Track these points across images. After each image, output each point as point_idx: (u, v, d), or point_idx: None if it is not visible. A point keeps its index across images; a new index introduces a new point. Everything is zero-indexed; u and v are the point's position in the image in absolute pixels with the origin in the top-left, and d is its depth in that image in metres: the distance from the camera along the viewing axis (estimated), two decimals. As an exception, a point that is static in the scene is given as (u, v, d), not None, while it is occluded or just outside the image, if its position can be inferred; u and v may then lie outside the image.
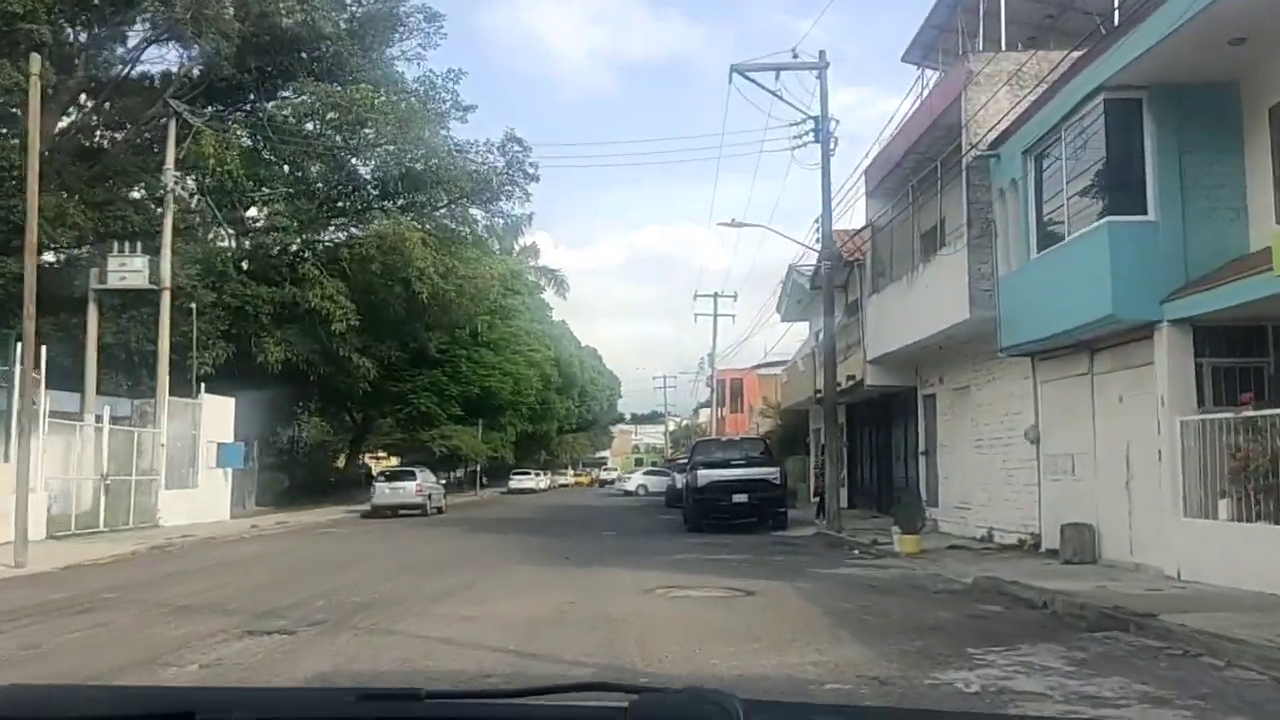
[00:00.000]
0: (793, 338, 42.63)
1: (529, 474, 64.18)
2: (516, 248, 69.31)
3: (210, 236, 29.87)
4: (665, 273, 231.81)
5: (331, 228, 32.90)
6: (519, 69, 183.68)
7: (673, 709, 1.47)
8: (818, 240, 24.08)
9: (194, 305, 26.65)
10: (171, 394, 26.15)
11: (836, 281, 30.43)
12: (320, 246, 33.15)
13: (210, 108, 29.52)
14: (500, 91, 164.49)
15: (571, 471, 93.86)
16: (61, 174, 26.94)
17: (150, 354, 26.47)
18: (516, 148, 32.85)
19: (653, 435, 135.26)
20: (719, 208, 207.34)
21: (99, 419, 23.98)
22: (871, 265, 23.36)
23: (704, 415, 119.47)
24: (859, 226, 25.18)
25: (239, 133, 31.17)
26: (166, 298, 25.46)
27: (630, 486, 55.95)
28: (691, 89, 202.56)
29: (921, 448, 22.65)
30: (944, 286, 17.82)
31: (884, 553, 16.44)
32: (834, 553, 17.66)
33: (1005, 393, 17.62)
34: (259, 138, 32.40)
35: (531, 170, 33.27)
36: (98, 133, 31.60)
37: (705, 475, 22.80)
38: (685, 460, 33.72)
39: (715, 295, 53.48)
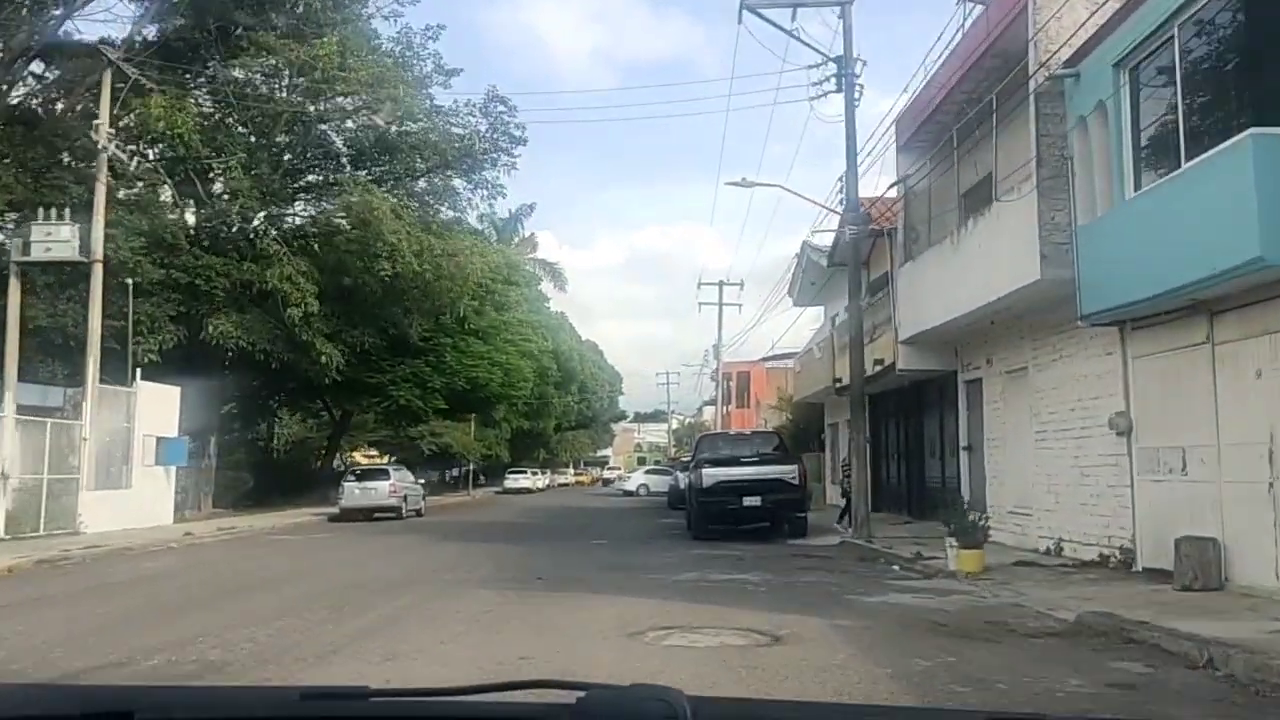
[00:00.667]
0: (802, 327, 39.64)
1: (525, 473, 60.83)
2: (515, 239, 66.88)
3: (159, 207, 26.65)
4: (666, 273, 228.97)
5: (299, 203, 29.69)
6: (518, 69, 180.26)
7: (618, 705, 1.46)
8: (840, 204, 20.88)
9: (130, 280, 23.48)
10: (114, 383, 23.06)
11: (854, 260, 27.37)
12: (285, 223, 29.99)
13: (165, 72, 26.38)
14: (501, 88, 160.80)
15: (572, 471, 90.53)
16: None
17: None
18: (500, 108, 29.72)
19: (656, 434, 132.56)
20: (724, 191, 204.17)
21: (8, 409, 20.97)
22: (904, 230, 20.16)
23: (708, 413, 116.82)
24: (887, 188, 21.95)
25: (199, 99, 28.05)
26: (98, 272, 22.32)
27: (630, 486, 52.76)
28: (692, 88, 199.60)
29: (963, 442, 19.46)
30: (1003, 243, 14.62)
31: (934, 570, 13.24)
32: (870, 570, 14.45)
33: (1078, 373, 14.40)
34: (220, 104, 29.33)
35: (517, 133, 30.14)
36: (36, 99, 28.43)
37: (712, 475, 19.59)
38: (689, 458, 30.56)
39: (720, 284, 50.45)
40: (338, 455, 48.64)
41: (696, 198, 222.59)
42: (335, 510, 29.23)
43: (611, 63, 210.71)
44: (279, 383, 35.83)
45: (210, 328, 26.30)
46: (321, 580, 13.19)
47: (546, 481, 67.30)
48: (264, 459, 44.44)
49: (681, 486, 34.04)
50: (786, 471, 19.70)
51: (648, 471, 55.20)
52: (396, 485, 29.53)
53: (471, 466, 55.27)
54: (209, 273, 26.58)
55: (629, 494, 52.09)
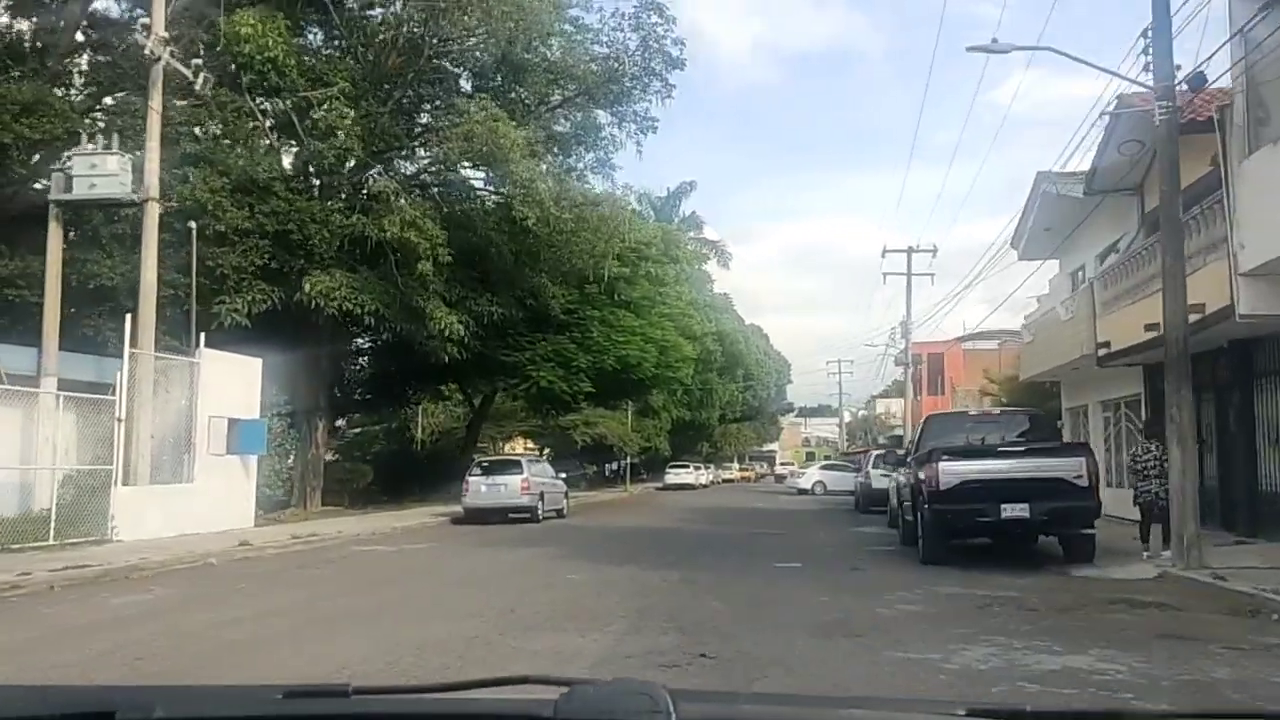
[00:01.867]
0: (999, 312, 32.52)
1: (687, 468, 55.12)
2: (676, 220, 61.44)
3: (246, 143, 22.21)
4: (828, 265, 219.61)
5: (417, 145, 24.77)
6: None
7: (601, 700, 1.44)
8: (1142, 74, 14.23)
9: (194, 224, 19.02)
10: (182, 352, 18.73)
11: (1125, 184, 20.46)
12: (399, 171, 25.24)
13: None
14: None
15: (736, 465, 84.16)
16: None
17: (169, 299, 19.18)
18: (654, 18, 24.04)
19: (823, 428, 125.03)
20: (906, 179, 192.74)
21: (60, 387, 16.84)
22: (1247, 109, 13.41)
23: (881, 406, 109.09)
24: (1212, 53, 15.11)
25: (297, 22, 23.62)
26: (152, 212, 17.90)
27: (804, 484, 46.40)
28: (853, 76, 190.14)
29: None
30: None
31: None
32: (1263, 632, 8.12)
33: None
34: (320, 26, 24.90)
35: (675, 51, 24.43)
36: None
37: (954, 471, 13.32)
38: (900, 450, 24.23)
39: (909, 250, 43.39)
40: (490, 446, 44.36)
41: (860, 188, 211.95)
42: (460, 510, 24.37)
43: (774, 54, 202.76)
44: (401, 360, 31.39)
45: (308, 285, 21.70)
46: (322, 649, 7.82)
47: (710, 477, 61.40)
48: (402, 450, 40.55)
49: (875, 485, 27.77)
50: (1068, 467, 13.24)
51: (823, 467, 48.62)
52: (531, 481, 24.32)
53: (629, 460, 50.09)
54: (304, 218, 21.98)
55: (803, 492, 45.85)
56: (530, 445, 53.35)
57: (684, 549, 16.60)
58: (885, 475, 27.52)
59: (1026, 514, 13.12)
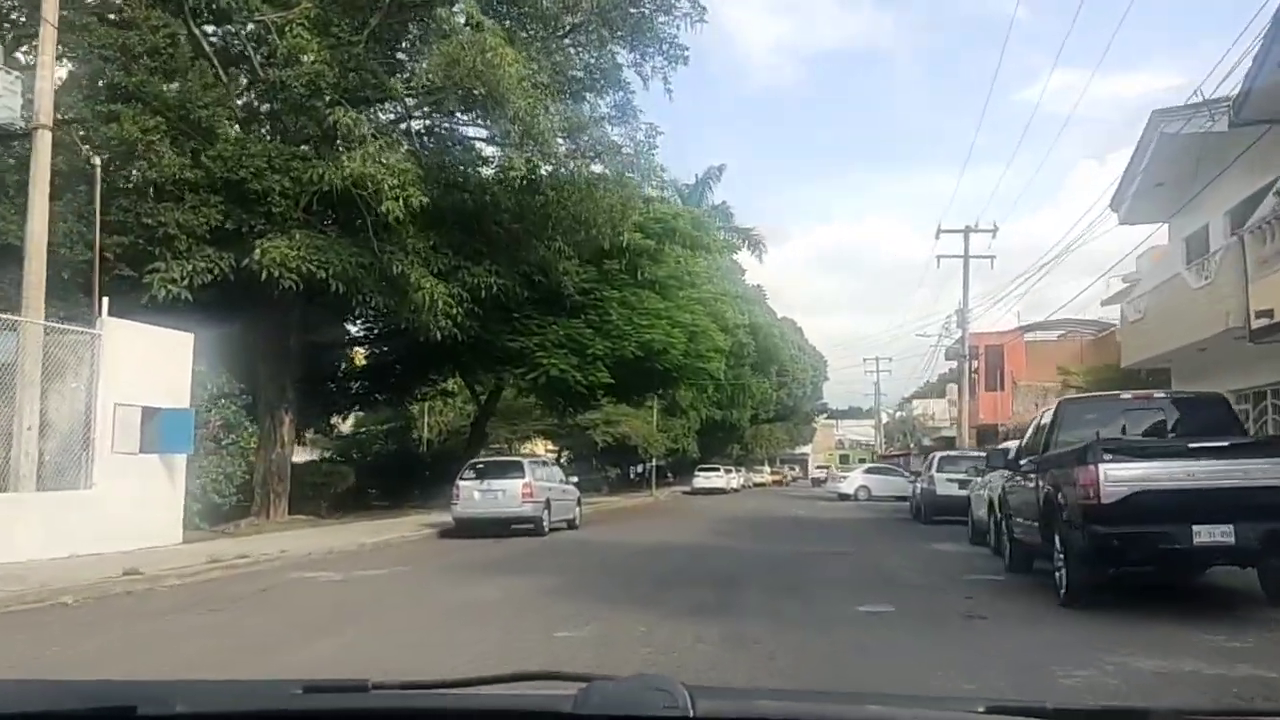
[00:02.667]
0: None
1: (718, 470, 50.80)
2: (704, 208, 57.18)
3: (184, 69, 18.22)
4: (859, 266, 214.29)
5: (399, 85, 20.73)
6: (703, 67, 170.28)
7: (619, 696, 1.45)
8: None
9: (96, 160, 15.13)
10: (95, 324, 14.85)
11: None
12: (375, 114, 21.23)
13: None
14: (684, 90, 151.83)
15: (768, 468, 79.69)
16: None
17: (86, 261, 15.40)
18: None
19: (855, 431, 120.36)
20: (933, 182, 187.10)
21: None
22: None
23: (919, 407, 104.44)
24: None
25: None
26: (44, 144, 13.99)
27: (847, 488, 42.07)
28: (881, 76, 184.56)
29: None
30: None
31: None
32: None
33: None
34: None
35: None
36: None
37: (1124, 477, 9.06)
38: (945, 454, 20.16)
39: (966, 230, 39.01)
40: (507, 447, 40.36)
41: (888, 190, 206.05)
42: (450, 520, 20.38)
43: (797, 55, 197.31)
44: (399, 349, 27.50)
45: (259, 251, 17.76)
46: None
47: (741, 480, 57.07)
48: (403, 451, 36.73)
49: (947, 493, 23.60)
50: (1286, 471, 9.03)
51: (868, 471, 44.12)
52: (534, 487, 20.26)
53: (654, 462, 45.95)
54: (260, 164, 18.04)
55: (844, 497, 41.58)
56: (550, 447, 49.41)
57: (723, 578, 12.46)
58: (954, 480, 23.39)
59: (1231, 539, 8.92)
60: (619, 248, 24.76)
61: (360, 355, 34.95)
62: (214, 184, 17.92)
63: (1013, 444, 16.48)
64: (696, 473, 49.32)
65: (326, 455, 35.14)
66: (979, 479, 17.98)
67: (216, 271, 17.99)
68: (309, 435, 34.21)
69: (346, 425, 40.42)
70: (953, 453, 28.17)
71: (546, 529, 20.30)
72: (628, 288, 27.86)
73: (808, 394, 62.21)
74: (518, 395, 35.25)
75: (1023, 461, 12.56)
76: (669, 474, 60.48)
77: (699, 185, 60.45)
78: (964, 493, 20.25)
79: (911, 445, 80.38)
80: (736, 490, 52.42)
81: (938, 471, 25.06)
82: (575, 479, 24.52)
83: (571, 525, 22.34)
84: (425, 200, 18.06)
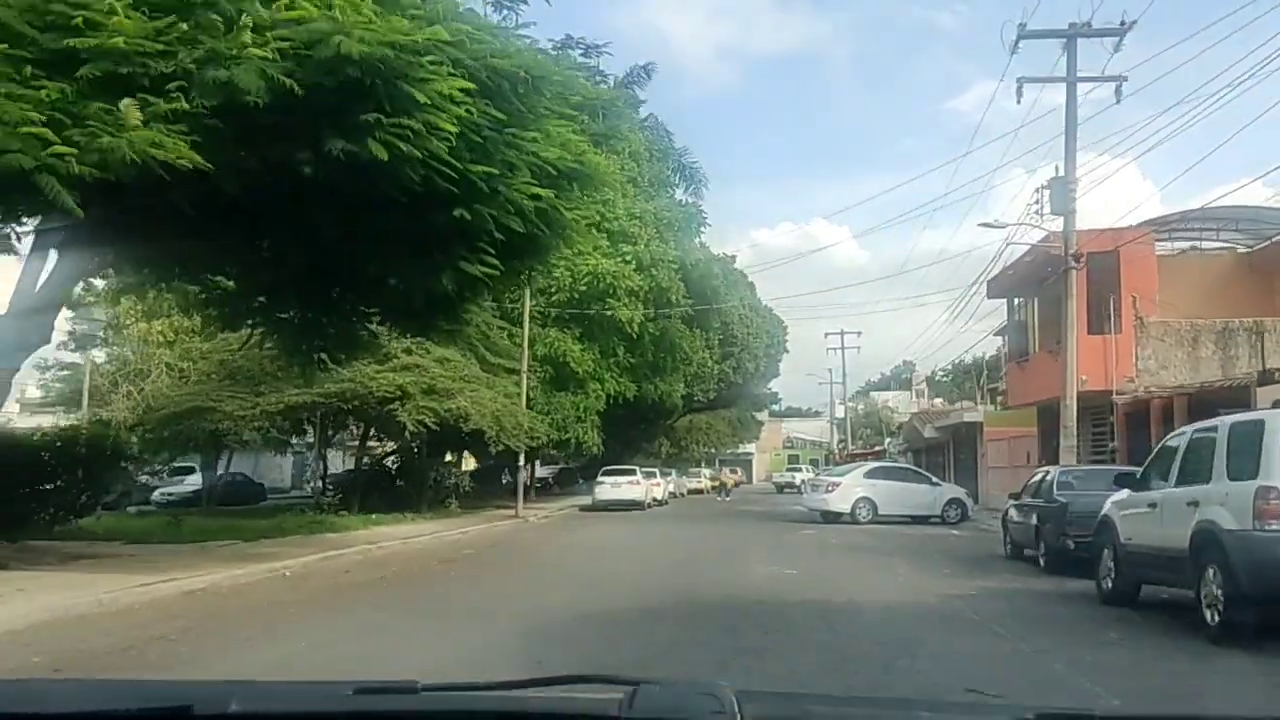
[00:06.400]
0: None
1: (631, 475, 34.16)
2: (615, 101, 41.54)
3: None
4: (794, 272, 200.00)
5: None
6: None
7: (667, 699, 1.47)
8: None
9: None
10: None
11: None
12: None
13: None
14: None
15: (705, 471, 63.40)
16: None
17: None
18: None
19: (801, 429, 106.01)
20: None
21: None
22: None
23: (883, 398, 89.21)
24: None
25: None
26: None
27: (839, 505, 26.05)
28: (818, 81, 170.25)
29: None
30: None
31: None
32: None
33: None
34: None
35: None
36: None
37: None
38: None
39: (1071, 32, 23.30)
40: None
41: (825, 196, 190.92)
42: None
43: (737, 58, 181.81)
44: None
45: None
46: None
47: (668, 488, 40.78)
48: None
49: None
50: None
51: (870, 474, 27.72)
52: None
53: (523, 463, 29.61)
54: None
55: (833, 517, 25.72)
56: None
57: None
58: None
59: None
60: None
61: None
62: None
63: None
64: (600, 479, 32.81)
65: None
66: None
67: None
68: None
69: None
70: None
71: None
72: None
73: (761, 369, 46.42)
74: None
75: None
76: (579, 478, 44.48)
77: (619, 90, 44.64)
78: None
79: (885, 442, 65.69)
80: (661, 504, 36.13)
81: (1168, 479, 9.58)
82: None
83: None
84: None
